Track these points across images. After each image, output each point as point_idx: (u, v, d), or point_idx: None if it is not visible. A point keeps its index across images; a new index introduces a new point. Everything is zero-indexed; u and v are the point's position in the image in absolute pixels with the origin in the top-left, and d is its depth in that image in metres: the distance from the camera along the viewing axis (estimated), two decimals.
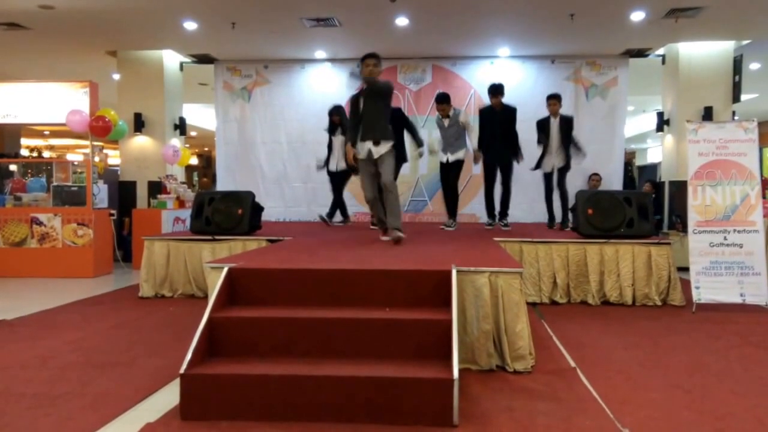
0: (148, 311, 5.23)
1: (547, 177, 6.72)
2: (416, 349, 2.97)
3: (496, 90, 6.64)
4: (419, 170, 9.03)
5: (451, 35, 8.01)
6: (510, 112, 6.68)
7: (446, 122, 6.67)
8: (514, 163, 6.77)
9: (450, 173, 6.78)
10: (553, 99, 6.58)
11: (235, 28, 7.46)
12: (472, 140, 6.65)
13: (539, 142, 6.71)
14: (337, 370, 2.77)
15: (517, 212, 8.53)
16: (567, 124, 6.59)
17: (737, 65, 8.28)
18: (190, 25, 7.54)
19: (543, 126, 6.66)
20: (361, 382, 2.70)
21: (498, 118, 6.63)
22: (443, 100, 6.68)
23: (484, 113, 6.80)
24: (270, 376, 2.75)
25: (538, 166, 6.74)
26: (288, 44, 8.45)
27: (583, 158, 6.85)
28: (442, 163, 6.80)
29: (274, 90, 9.31)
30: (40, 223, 7.32)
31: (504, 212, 6.85)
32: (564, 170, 6.65)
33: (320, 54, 9.00)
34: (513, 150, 6.70)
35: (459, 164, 6.71)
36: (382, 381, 2.70)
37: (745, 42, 8.30)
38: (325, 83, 9.25)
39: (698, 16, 7.08)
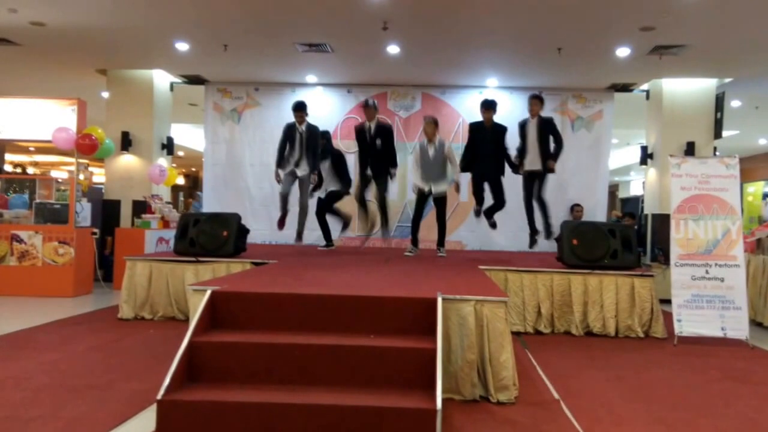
0: (127, 333, 5.13)
1: (527, 180, 6.59)
2: (399, 378, 2.94)
3: (489, 105, 6.58)
4: (407, 195, 9.06)
5: (441, 65, 8.14)
6: (501, 130, 6.59)
7: (431, 150, 6.65)
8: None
9: (437, 207, 6.84)
10: (535, 99, 6.53)
11: (227, 50, 7.51)
12: (455, 171, 6.76)
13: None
14: (319, 399, 2.73)
15: (502, 240, 8.58)
16: (546, 125, 6.48)
17: (719, 102, 8.48)
18: (182, 46, 7.58)
19: (522, 127, 6.60)
20: (342, 412, 2.66)
21: (488, 135, 6.56)
22: (433, 122, 6.72)
23: (475, 128, 6.73)
24: (249, 403, 2.70)
25: (516, 169, 6.64)
26: (279, 68, 8.52)
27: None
28: (422, 192, 6.72)
29: (264, 113, 9.34)
30: (21, 241, 7.20)
31: (489, 215, 6.72)
32: (542, 177, 6.53)
33: (311, 78, 9.07)
34: (502, 166, 6.62)
35: (444, 198, 6.79)
36: (364, 410, 2.66)
37: (727, 80, 8.52)
38: (316, 107, 9.26)
39: (682, 54, 7.27)
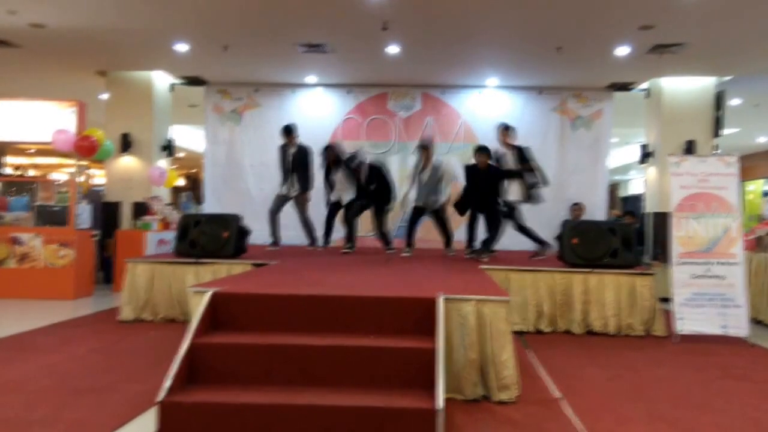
0: (128, 335, 5.14)
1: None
2: (400, 378, 2.94)
3: (480, 150, 6.61)
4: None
5: (441, 65, 8.14)
6: (495, 174, 6.58)
7: (426, 174, 6.81)
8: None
9: (435, 218, 7.05)
10: (504, 129, 6.65)
11: (227, 51, 7.51)
12: (448, 188, 6.89)
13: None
14: (319, 399, 2.73)
15: (504, 240, 8.57)
16: (521, 153, 6.54)
17: (719, 100, 8.48)
18: (182, 47, 7.57)
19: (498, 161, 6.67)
20: (343, 412, 2.66)
21: (482, 177, 6.59)
22: (424, 148, 6.88)
23: (469, 171, 6.79)
24: (250, 404, 2.70)
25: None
26: (280, 68, 8.51)
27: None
28: (417, 207, 6.96)
29: (264, 113, 9.34)
30: (21, 243, 7.20)
31: (486, 244, 6.71)
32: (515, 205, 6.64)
33: (311, 79, 9.07)
34: (495, 209, 6.61)
35: (439, 210, 6.97)
36: (365, 411, 2.66)
37: (726, 78, 8.52)
38: (316, 108, 9.31)
39: (681, 53, 7.27)
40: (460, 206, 6.79)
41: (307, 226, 7.53)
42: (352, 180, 7.14)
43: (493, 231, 6.63)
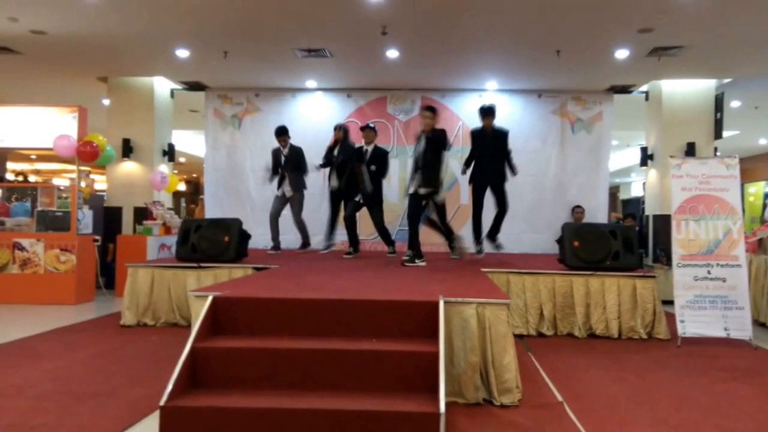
0: (130, 340, 5.14)
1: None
2: (402, 382, 2.94)
3: (487, 111, 6.59)
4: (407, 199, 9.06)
5: (440, 68, 8.15)
6: (502, 135, 6.63)
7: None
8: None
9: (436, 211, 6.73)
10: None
11: (227, 56, 7.53)
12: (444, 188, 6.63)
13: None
14: (322, 403, 2.73)
15: (505, 242, 8.57)
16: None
17: (719, 103, 8.49)
18: (182, 53, 7.60)
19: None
20: (345, 416, 2.66)
21: (489, 140, 6.58)
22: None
23: (476, 134, 6.73)
24: (252, 409, 2.70)
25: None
26: (279, 73, 8.54)
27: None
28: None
29: (264, 118, 9.34)
30: (23, 249, 7.21)
31: (496, 228, 6.71)
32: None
33: (311, 83, 9.09)
34: (504, 171, 6.60)
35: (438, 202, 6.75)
36: (367, 415, 2.66)
37: (726, 80, 8.53)
38: (316, 112, 9.33)
39: (680, 55, 7.28)
40: (467, 164, 6.69)
41: (300, 226, 7.55)
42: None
43: (502, 207, 6.61)
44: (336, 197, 7.29)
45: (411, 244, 6.07)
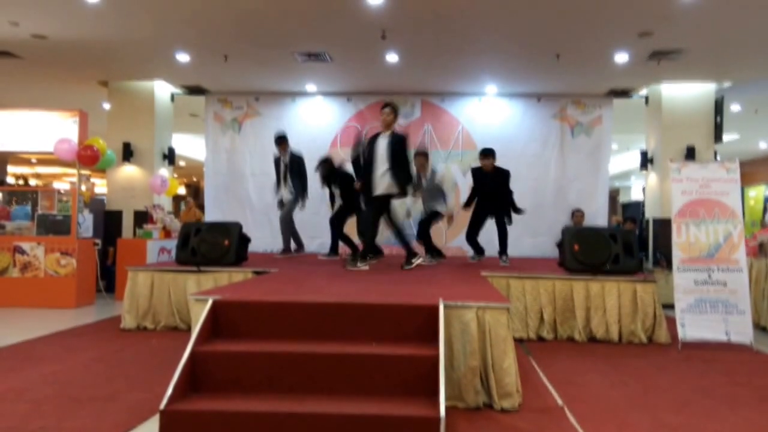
0: (130, 343, 5.13)
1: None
2: (402, 386, 2.94)
3: (486, 153, 6.63)
4: (406, 204, 9.05)
5: (440, 72, 8.17)
6: (502, 175, 6.61)
7: (423, 183, 6.75)
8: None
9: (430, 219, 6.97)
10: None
11: (227, 60, 7.55)
12: (450, 196, 6.87)
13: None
14: (321, 407, 2.73)
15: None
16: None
17: (718, 106, 8.50)
18: (183, 57, 7.62)
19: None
20: (345, 420, 2.65)
21: (489, 180, 6.62)
22: (423, 155, 6.82)
23: (476, 173, 6.81)
24: (252, 413, 2.70)
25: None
26: (279, 77, 8.55)
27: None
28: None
29: (264, 122, 9.37)
30: (23, 252, 7.21)
31: (502, 249, 6.73)
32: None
33: (311, 87, 9.11)
34: (507, 209, 6.63)
35: (435, 213, 6.91)
36: (367, 419, 2.65)
37: (726, 84, 8.54)
38: (316, 116, 9.35)
39: (680, 59, 7.30)
40: (467, 203, 6.82)
41: (284, 228, 7.44)
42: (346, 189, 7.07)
43: (504, 234, 6.67)
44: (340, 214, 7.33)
45: (404, 244, 6.11)
